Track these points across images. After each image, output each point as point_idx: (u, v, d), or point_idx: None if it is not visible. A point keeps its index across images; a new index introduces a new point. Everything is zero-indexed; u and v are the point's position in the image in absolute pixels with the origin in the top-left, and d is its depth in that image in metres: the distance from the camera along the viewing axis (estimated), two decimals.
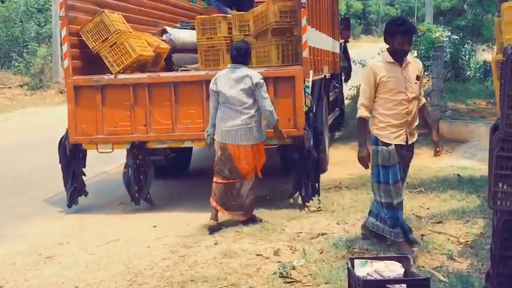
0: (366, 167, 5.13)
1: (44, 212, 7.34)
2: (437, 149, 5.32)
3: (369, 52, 17.13)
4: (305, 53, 6.93)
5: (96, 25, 7.44)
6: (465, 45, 16.12)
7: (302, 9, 6.86)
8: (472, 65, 16.27)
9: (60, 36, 7.67)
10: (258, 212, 6.50)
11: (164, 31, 8.70)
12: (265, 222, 6.26)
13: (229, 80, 6.10)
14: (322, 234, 5.80)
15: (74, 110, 7.15)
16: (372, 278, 4.00)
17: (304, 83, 6.82)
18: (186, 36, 8.60)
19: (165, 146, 7.26)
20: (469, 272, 4.70)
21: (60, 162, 7.28)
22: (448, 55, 15.13)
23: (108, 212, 7.23)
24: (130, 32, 7.71)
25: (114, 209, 7.37)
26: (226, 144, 6.12)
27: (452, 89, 14.21)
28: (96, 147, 7.23)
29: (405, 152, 5.16)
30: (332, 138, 11.14)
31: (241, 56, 6.21)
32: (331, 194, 7.37)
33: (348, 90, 14.22)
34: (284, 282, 4.67)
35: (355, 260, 4.19)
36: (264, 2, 7.43)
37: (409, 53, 5.21)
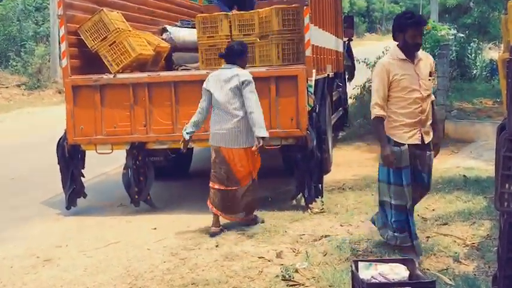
0: (391, 165, 4.92)
1: (43, 214, 7.29)
2: (433, 151, 5.15)
3: (373, 50, 17.10)
4: (308, 52, 6.84)
5: (95, 24, 7.38)
6: (471, 44, 16.02)
7: (305, 7, 6.79)
8: (478, 63, 16.18)
9: (59, 35, 7.64)
10: (259, 214, 6.45)
11: (164, 30, 8.68)
12: (267, 224, 6.20)
13: (219, 81, 6.06)
14: (326, 236, 5.75)
15: (73, 110, 7.09)
16: (376, 280, 3.96)
17: (307, 82, 6.75)
18: (187, 35, 8.57)
19: (165, 146, 7.19)
20: (475, 274, 4.64)
21: (58, 163, 7.21)
22: (453, 53, 15.07)
23: (107, 214, 7.17)
24: (129, 31, 7.65)
25: (113, 210, 7.32)
26: (220, 147, 6.07)
27: (458, 88, 14.11)
28: (95, 148, 7.16)
29: (420, 152, 4.98)
30: (335, 139, 11.08)
31: (232, 56, 6.15)
32: (334, 195, 7.31)
33: (351, 89, 14.09)
34: (287, 285, 4.64)
35: (359, 262, 4.14)
36: (264, 1, 7.35)
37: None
